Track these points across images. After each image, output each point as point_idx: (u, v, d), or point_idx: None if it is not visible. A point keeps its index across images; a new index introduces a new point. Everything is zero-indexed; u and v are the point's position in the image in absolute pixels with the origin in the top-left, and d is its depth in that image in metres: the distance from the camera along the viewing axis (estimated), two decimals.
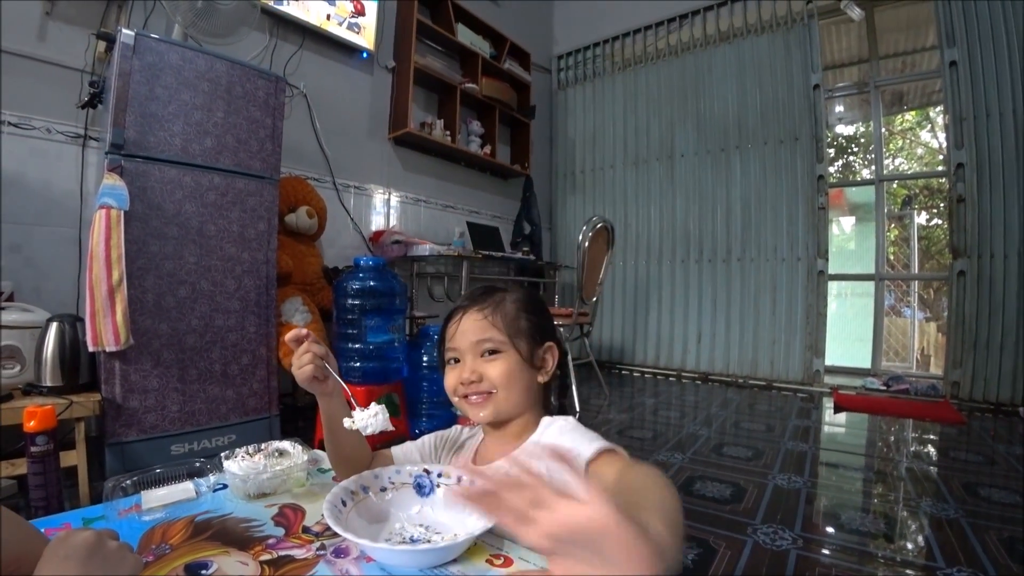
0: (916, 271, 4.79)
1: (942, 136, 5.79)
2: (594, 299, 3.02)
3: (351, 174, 3.00)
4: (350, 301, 1.91)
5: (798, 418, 2.87)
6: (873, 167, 3.96)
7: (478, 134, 3.72)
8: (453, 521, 0.64)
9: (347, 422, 0.68)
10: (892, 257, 4.73)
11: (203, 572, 0.50)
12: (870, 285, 3.97)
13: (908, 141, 6.40)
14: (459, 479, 0.68)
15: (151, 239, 1.60)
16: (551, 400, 0.75)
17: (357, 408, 0.70)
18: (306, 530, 0.63)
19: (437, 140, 3.29)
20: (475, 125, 3.72)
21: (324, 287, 2.43)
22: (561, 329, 2.92)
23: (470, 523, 0.62)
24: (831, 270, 3.60)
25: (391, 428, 0.69)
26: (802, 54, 3.60)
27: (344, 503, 0.60)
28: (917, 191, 5.52)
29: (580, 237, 2.81)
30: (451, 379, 0.70)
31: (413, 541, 0.60)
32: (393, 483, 0.68)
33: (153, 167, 1.62)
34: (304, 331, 0.70)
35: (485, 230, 3.58)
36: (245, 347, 1.77)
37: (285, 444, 0.83)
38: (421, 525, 0.64)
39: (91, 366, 1.55)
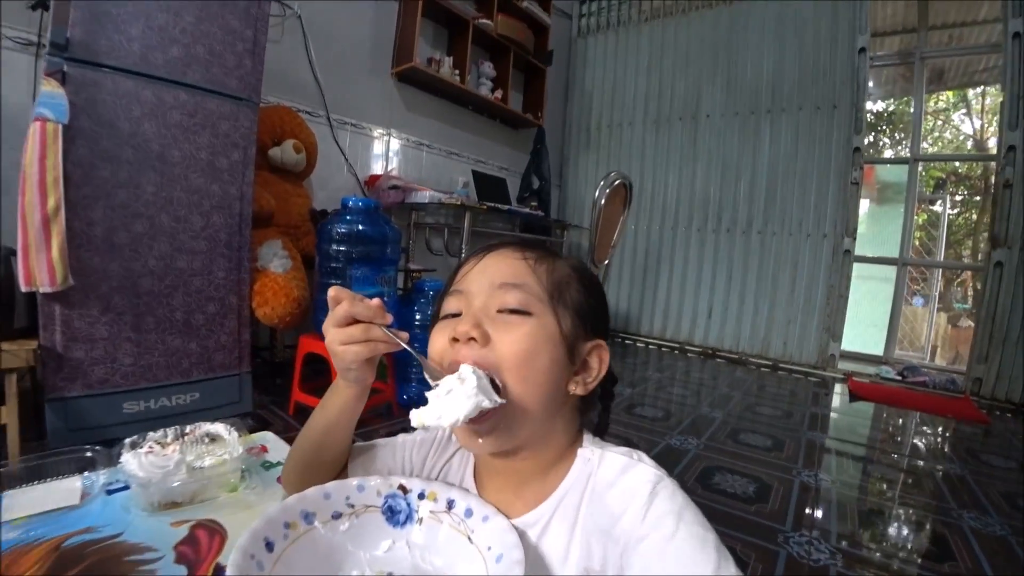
0: (941, 259, 4.57)
1: (977, 121, 5.46)
2: (606, 262, 2.80)
3: (348, 110, 2.71)
4: (335, 247, 1.68)
5: (814, 405, 2.70)
6: (907, 146, 3.69)
7: (489, 77, 3.40)
8: (436, 566, 0.44)
9: (415, 416, 0.42)
10: (916, 243, 4.49)
11: None
12: (890, 269, 3.76)
13: (940, 123, 6.05)
14: (449, 504, 0.47)
15: (101, 162, 1.35)
16: (588, 418, 0.51)
17: (434, 386, 0.43)
18: (218, 572, 0.43)
19: (445, 79, 2.98)
20: (487, 67, 3.39)
21: (310, 232, 2.19)
22: None
23: (462, 568, 0.43)
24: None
25: (494, 402, 0.41)
26: (850, 14, 3.26)
27: (270, 546, 0.39)
28: (947, 176, 5.23)
29: (597, 193, 2.55)
30: (439, 338, 0.46)
31: None
32: (352, 506, 0.47)
33: (104, 76, 1.36)
34: (353, 295, 0.45)
35: (491, 181, 3.31)
36: (212, 294, 1.55)
37: (218, 428, 0.62)
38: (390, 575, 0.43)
39: (30, 309, 1.33)
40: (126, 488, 0.52)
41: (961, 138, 5.52)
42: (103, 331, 1.35)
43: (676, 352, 3.84)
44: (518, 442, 0.45)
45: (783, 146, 3.49)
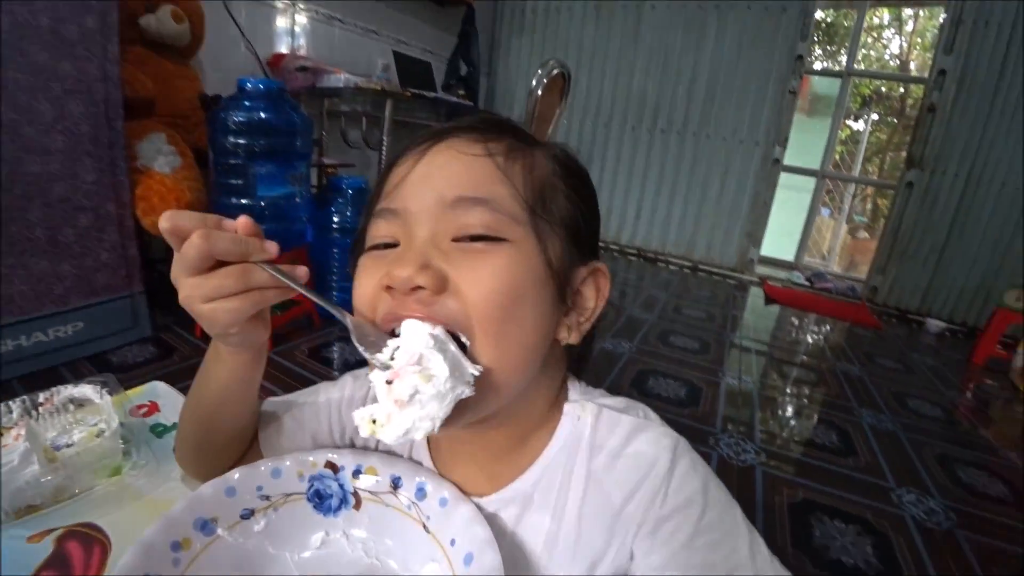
0: (857, 174, 4.84)
1: (906, 43, 5.55)
2: None
3: None
4: (232, 139, 1.40)
5: (734, 307, 2.87)
6: (839, 59, 3.69)
7: None
8: (391, 568, 0.35)
9: (360, 419, 0.28)
10: (836, 157, 4.70)
11: None
12: (809, 180, 3.94)
13: (871, 39, 6.11)
14: (395, 483, 0.37)
15: None
16: (574, 365, 0.40)
17: (380, 367, 0.29)
18: None
19: None
20: None
21: (201, 122, 1.84)
22: None
23: (425, 571, 0.34)
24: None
25: (471, 376, 0.29)
26: None
27: None
28: (872, 94, 5.39)
29: (533, 82, 2.33)
30: (368, 281, 0.32)
31: None
32: (268, 498, 0.36)
33: None
34: (205, 219, 0.28)
35: (415, 64, 2.95)
36: (81, 203, 1.25)
37: (85, 390, 0.47)
38: None
39: None
40: None
41: (887, 57, 5.63)
42: None
43: (604, 251, 3.90)
44: (489, 412, 0.32)
45: (727, 46, 3.36)
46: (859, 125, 5.10)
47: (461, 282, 0.29)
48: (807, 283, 3.58)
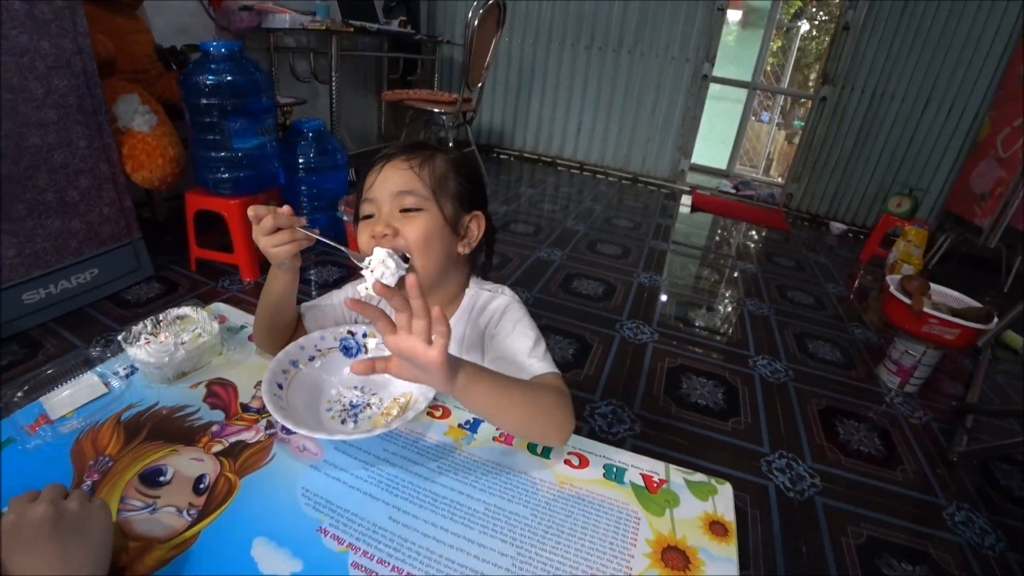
0: (786, 86, 5.09)
1: None
2: (479, 85, 2.83)
3: None
4: (205, 101, 1.58)
5: (662, 216, 3.24)
6: None
7: None
8: (386, 378, 0.68)
9: (362, 290, 0.58)
10: (768, 68, 4.92)
11: (161, 479, 0.50)
12: (742, 92, 4.19)
13: None
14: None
15: None
16: (477, 266, 0.75)
17: (364, 268, 0.59)
18: (246, 408, 0.63)
19: None
20: None
21: (162, 74, 1.95)
22: (444, 117, 2.78)
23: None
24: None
25: (404, 268, 0.60)
26: None
27: (280, 386, 0.61)
28: (806, 4, 5.50)
29: (470, 15, 2.48)
30: (363, 235, 0.64)
31: (353, 407, 0.64)
32: (320, 350, 0.68)
33: None
34: (271, 209, 0.59)
35: None
36: (80, 166, 1.45)
37: (185, 309, 0.77)
38: (355, 387, 0.67)
39: None
40: (136, 371, 0.68)
41: None
42: None
43: (548, 166, 4.16)
44: (426, 290, 0.67)
45: None
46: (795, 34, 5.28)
47: (404, 231, 0.62)
48: (733, 191, 3.96)
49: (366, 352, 0.70)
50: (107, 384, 0.66)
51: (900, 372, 1.70)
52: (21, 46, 1.26)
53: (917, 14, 2.99)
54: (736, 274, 2.44)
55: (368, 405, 0.64)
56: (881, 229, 2.93)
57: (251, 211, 0.59)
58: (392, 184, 0.63)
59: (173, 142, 1.68)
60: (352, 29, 2.61)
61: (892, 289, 1.65)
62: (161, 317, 0.75)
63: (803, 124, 6.19)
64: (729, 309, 2.06)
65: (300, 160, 2.03)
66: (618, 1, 3.60)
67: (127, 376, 0.68)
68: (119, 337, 0.69)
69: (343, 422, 0.62)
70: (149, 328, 0.73)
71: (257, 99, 1.66)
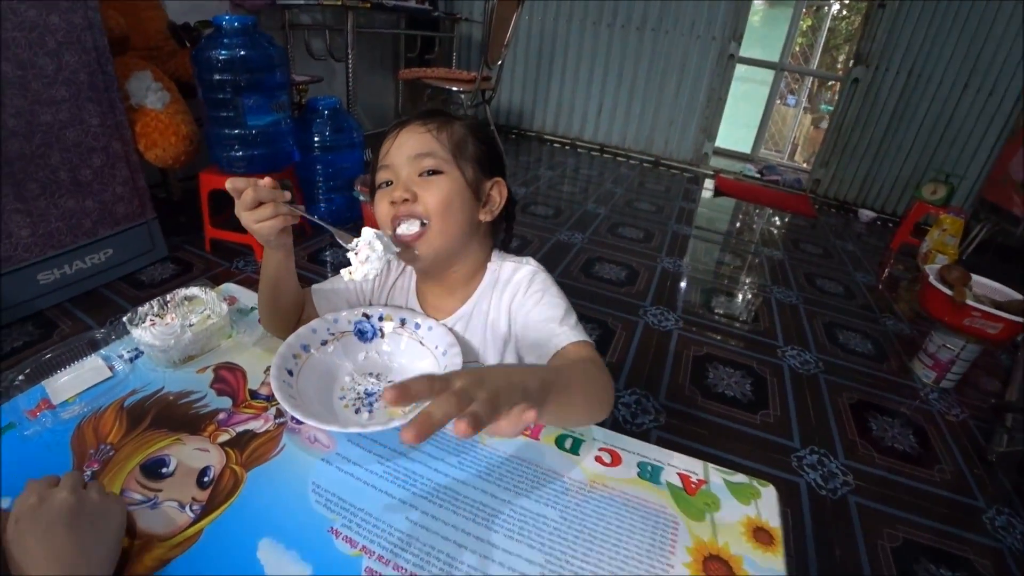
0: (815, 67, 4.91)
1: None
2: (499, 63, 2.75)
3: None
4: (218, 76, 1.54)
5: (685, 200, 3.15)
6: None
7: None
8: (402, 364, 0.64)
9: (344, 273, 0.57)
10: (796, 48, 4.74)
11: (163, 471, 0.47)
12: (768, 73, 4.04)
13: None
14: (403, 321, 0.66)
15: None
16: (498, 241, 0.70)
17: (352, 250, 0.56)
18: (254, 395, 0.60)
19: None
20: None
21: (176, 52, 1.92)
22: (463, 96, 2.71)
23: (421, 365, 0.63)
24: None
25: (394, 251, 0.58)
26: None
27: (291, 372, 0.57)
28: None
29: None
30: (382, 204, 0.60)
31: (368, 395, 0.60)
32: (333, 334, 0.64)
33: None
34: (251, 181, 0.54)
35: None
36: (92, 144, 1.42)
37: (194, 290, 0.73)
38: (370, 374, 0.63)
39: None
40: (141, 354, 0.65)
41: None
42: None
43: (567, 148, 4.07)
44: (441, 257, 0.61)
45: None
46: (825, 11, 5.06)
47: (424, 195, 0.59)
48: (758, 175, 3.84)
49: (382, 337, 0.66)
50: (111, 368, 0.63)
51: (936, 367, 1.62)
52: (30, 21, 1.23)
53: None
54: (761, 261, 2.36)
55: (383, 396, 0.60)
56: (914, 217, 2.81)
57: (229, 184, 0.54)
58: (409, 148, 0.59)
59: (186, 120, 1.65)
60: (369, 5, 2.55)
61: (931, 279, 1.57)
62: (169, 298, 0.72)
63: (831, 108, 6.04)
64: (756, 297, 1.98)
65: (315, 138, 1.99)
66: None
67: (132, 360, 0.65)
68: (124, 318, 0.66)
69: (357, 411, 0.58)
70: (156, 309, 0.70)
71: (271, 74, 1.62)
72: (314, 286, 0.72)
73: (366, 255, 0.56)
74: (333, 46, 2.93)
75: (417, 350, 0.64)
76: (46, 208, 1.35)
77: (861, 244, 2.86)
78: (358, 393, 0.60)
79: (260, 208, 0.55)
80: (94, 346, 0.67)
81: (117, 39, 1.64)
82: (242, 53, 1.53)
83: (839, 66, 5.28)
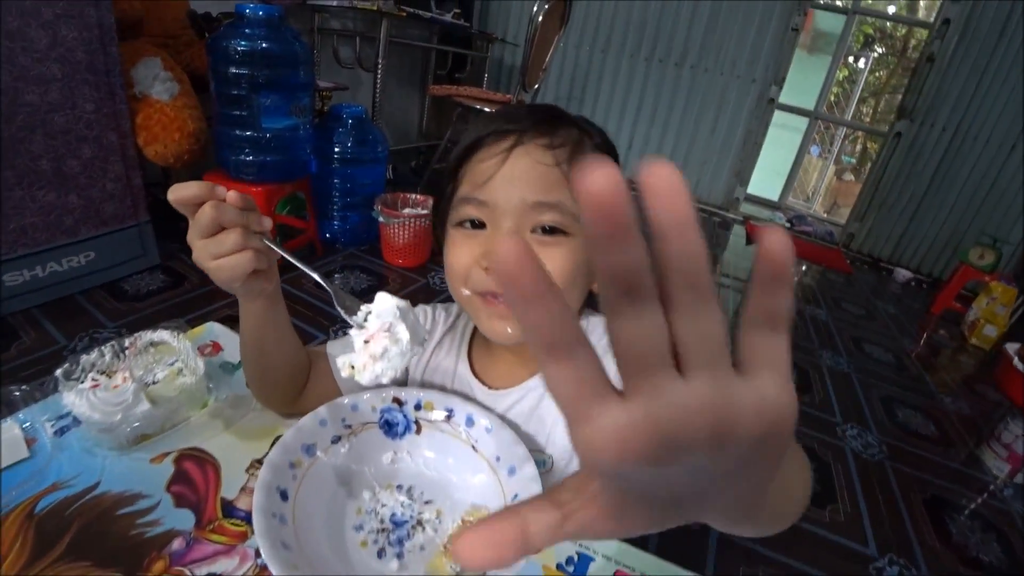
0: (850, 117, 4.82)
1: None
2: (536, 87, 2.61)
3: None
4: (234, 70, 1.38)
5: (716, 245, 2.99)
6: None
7: None
8: (448, 478, 0.45)
9: (342, 363, 0.36)
10: (831, 97, 4.65)
11: None
12: (802, 120, 3.92)
13: None
14: (449, 414, 0.47)
15: None
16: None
17: (358, 327, 0.37)
18: (229, 511, 0.41)
19: None
20: None
21: (193, 42, 1.77)
22: None
23: (473, 481, 0.44)
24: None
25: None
26: None
27: (285, 496, 0.38)
28: (875, 34, 5.22)
29: (535, 8, 2.26)
30: (464, 255, 0.42)
31: (396, 525, 0.41)
32: (350, 427, 0.45)
33: None
34: (214, 189, 0.36)
35: None
36: (83, 133, 1.25)
37: (161, 335, 0.54)
38: (400, 487, 0.44)
39: None
40: (75, 424, 0.46)
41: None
42: None
43: None
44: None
45: None
46: (860, 64, 5.01)
47: None
48: (788, 224, 3.69)
49: (418, 433, 0.47)
50: (30, 442, 0.44)
51: (1012, 459, 1.42)
52: None
53: (1012, 49, 2.71)
54: (805, 319, 2.17)
55: (419, 523, 0.41)
56: (959, 281, 2.64)
57: (174, 193, 0.35)
58: (527, 186, 0.41)
59: (194, 116, 1.48)
60: (404, 14, 2.43)
61: (1016, 362, 1.38)
62: (128, 343, 0.54)
63: (852, 160, 5.94)
64: (806, 361, 1.79)
65: (336, 149, 1.82)
66: (685, 10, 3.36)
67: (60, 433, 0.46)
68: (58, 372, 0.47)
69: (380, 555, 0.39)
70: (107, 360, 0.51)
71: (294, 73, 1.46)
72: (329, 345, 0.52)
73: (382, 347, 0.35)
74: (362, 55, 2.80)
75: (468, 457, 0.45)
76: (21, 200, 1.17)
77: (901, 306, 2.68)
78: (381, 520, 0.41)
79: (221, 235, 0.36)
80: (11, 407, 0.48)
81: (130, 21, 1.50)
82: (264, 46, 1.38)
83: (864, 117, 5.20)
